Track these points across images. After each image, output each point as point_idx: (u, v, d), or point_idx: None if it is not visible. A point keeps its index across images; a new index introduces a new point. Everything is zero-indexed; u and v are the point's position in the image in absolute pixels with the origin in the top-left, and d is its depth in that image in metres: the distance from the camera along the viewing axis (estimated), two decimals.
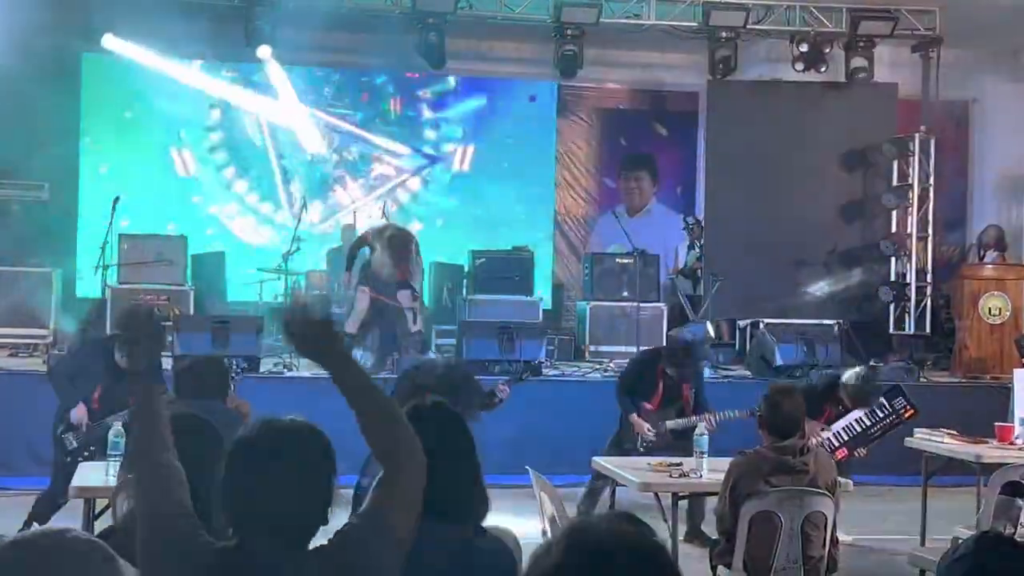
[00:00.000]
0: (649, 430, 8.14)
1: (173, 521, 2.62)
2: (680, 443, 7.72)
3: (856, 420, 7.85)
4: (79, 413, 7.37)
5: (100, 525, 5.20)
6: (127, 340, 2.80)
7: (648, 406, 8.27)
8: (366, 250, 11.30)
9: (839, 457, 7.50)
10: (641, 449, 8.08)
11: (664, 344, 9.98)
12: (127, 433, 2.98)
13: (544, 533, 5.58)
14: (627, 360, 9.61)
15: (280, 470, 2.56)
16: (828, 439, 7.70)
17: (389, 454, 2.68)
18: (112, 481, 4.96)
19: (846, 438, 7.83)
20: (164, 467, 2.72)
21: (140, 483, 2.72)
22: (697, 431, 6.79)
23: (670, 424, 8.16)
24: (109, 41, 12.66)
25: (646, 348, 9.84)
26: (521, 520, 4.52)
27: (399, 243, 11.19)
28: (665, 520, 6.58)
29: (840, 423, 7.90)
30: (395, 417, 2.71)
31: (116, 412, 7.34)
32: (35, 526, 7.15)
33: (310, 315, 2.65)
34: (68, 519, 5.94)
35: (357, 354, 10.91)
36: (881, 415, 7.85)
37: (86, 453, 7.28)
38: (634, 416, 8.23)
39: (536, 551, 1.95)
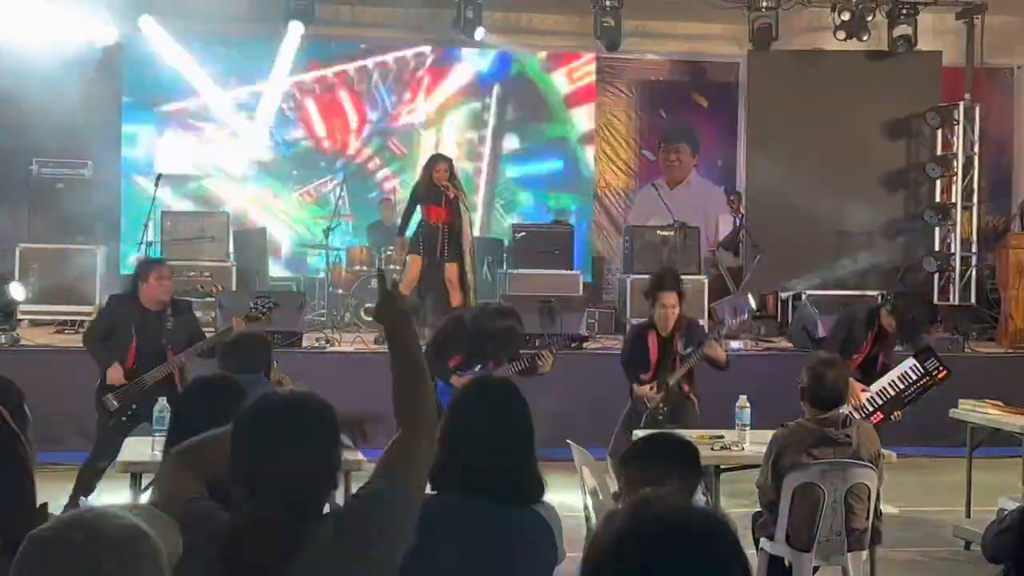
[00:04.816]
0: (651, 389, 8.14)
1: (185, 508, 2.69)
2: (681, 400, 8.04)
3: (890, 384, 7.86)
4: (114, 374, 7.50)
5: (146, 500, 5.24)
6: None
7: (645, 376, 8.25)
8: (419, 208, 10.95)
9: (874, 422, 7.52)
10: (655, 418, 8.11)
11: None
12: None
13: (585, 507, 5.58)
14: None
15: (282, 438, 2.62)
16: (863, 404, 7.73)
17: (411, 414, 2.77)
18: (158, 456, 5.00)
19: (880, 402, 7.83)
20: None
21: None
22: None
23: (670, 380, 8.14)
24: (147, 20, 12.72)
25: (635, 323, 9.72)
26: (562, 494, 4.52)
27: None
28: (704, 494, 6.56)
29: (875, 386, 7.90)
30: (425, 380, 2.82)
31: (152, 367, 7.45)
32: (83, 499, 7.26)
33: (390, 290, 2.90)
34: (115, 491, 6.01)
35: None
36: (914, 377, 7.87)
37: (129, 412, 7.38)
38: (635, 386, 8.24)
39: (599, 524, 1.94)
